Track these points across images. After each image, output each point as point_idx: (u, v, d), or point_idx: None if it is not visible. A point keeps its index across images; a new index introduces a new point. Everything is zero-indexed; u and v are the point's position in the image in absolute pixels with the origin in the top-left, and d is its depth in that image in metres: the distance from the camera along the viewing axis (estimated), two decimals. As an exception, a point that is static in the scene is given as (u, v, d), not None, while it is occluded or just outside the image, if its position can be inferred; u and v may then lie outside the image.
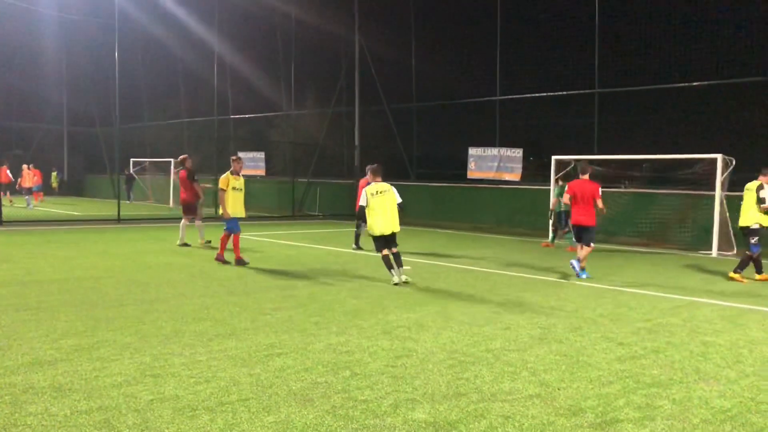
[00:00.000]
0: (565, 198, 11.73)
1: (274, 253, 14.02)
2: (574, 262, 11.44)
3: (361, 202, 10.62)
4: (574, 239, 16.24)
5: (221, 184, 12.20)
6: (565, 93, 20.99)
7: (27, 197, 28.34)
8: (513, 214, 21.35)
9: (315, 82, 29.15)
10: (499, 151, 22.00)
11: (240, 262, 11.99)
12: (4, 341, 6.23)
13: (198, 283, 9.94)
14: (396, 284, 10.16)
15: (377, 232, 10.43)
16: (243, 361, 5.77)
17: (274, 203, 27.95)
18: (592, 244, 11.43)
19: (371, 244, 11.37)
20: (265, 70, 30.07)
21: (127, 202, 32.47)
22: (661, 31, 19.17)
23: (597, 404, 4.87)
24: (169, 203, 32.56)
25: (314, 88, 29.24)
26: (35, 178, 29.34)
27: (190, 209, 15.19)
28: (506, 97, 22.43)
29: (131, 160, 35.50)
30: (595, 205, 11.19)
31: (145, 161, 35.26)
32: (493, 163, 22.04)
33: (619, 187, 18.38)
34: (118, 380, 5.14)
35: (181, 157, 15.42)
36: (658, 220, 17.39)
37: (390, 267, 10.36)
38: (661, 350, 6.50)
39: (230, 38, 30.06)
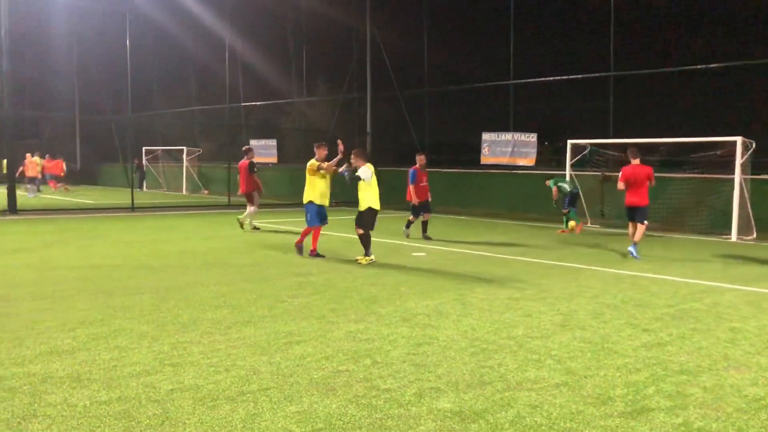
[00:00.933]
0: (620, 185, 12.25)
1: (289, 240, 13.92)
2: (632, 249, 11.90)
3: (367, 177, 10.85)
4: (574, 223, 16.25)
5: (311, 171, 11.43)
6: (580, 76, 20.69)
7: (29, 186, 28.20)
8: (527, 200, 21.13)
9: (326, 69, 28.93)
10: (513, 135, 21.75)
11: (298, 250, 11.65)
12: (22, 330, 6.18)
13: (214, 270, 9.87)
14: (373, 261, 10.78)
15: (377, 207, 11.03)
16: (262, 349, 5.68)
17: (286, 191, 27.86)
18: (645, 222, 12.02)
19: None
20: (276, 56, 29.86)
21: (139, 190, 32.55)
22: (678, 11, 18.84)
23: (626, 392, 4.75)
24: (182, 191, 32.62)
25: (325, 74, 29.03)
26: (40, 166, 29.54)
27: (249, 198, 15.78)
28: (520, 81, 22.15)
29: (144, 148, 35.51)
30: (649, 186, 11.98)
31: (158, 149, 35.27)
32: (507, 149, 21.80)
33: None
34: (137, 369, 5.07)
35: (246, 147, 16.57)
36: (676, 205, 17.14)
37: (370, 245, 10.98)
38: (687, 336, 6.36)
39: (240, 25, 29.87)
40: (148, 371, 5.03)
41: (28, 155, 28.79)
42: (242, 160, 16.05)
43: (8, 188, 19.44)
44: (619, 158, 18.34)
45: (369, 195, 10.92)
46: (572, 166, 18.36)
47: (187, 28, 30.81)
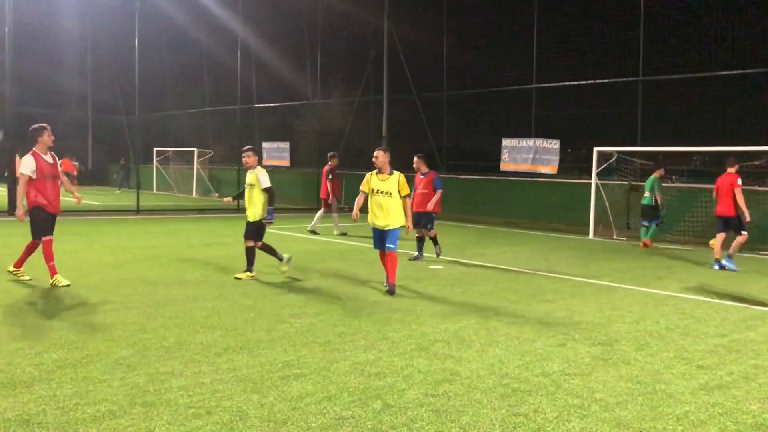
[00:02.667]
0: (715, 193, 12.17)
1: (296, 249, 13.09)
2: (726, 263, 11.78)
3: (267, 182, 9.50)
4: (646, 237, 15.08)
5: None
6: (606, 81, 19.71)
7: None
8: (549, 209, 20.18)
9: (342, 71, 28.12)
10: (534, 142, 20.82)
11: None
12: (-18, 353, 5.39)
13: (212, 283, 9.05)
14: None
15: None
16: (254, 384, 4.83)
17: (298, 195, 27.11)
18: (744, 233, 11.82)
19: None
20: (291, 57, 29.11)
21: (118, 192, 31.97)
22: (712, 13, 17.83)
23: (695, 456, 3.85)
24: (192, 194, 31.95)
25: (341, 76, 28.23)
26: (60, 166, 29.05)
27: (327, 202, 16.08)
28: (543, 85, 21.20)
29: (154, 149, 34.92)
30: (734, 196, 11.67)
31: (169, 150, 34.66)
32: (528, 155, 20.87)
33: (666, 182, 17.11)
34: (101, 410, 4.23)
35: (330, 153, 16.58)
36: (710, 218, 16.13)
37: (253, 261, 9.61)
38: (751, 377, 5.44)
39: (255, 25, 29.15)
40: (114, 413, 4.20)
41: (17, 156, 27.89)
42: (327, 165, 16.38)
43: (8, 189, 18.80)
44: (646, 167, 17.39)
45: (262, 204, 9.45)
46: (598, 174, 17.42)
47: (200, 27, 30.23)
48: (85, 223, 17.09)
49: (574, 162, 21.08)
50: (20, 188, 8.35)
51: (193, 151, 32.50)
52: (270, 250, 9.65)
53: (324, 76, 28.25)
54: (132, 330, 6.30)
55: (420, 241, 12.05)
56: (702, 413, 4.56)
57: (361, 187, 9.03)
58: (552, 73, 20.96)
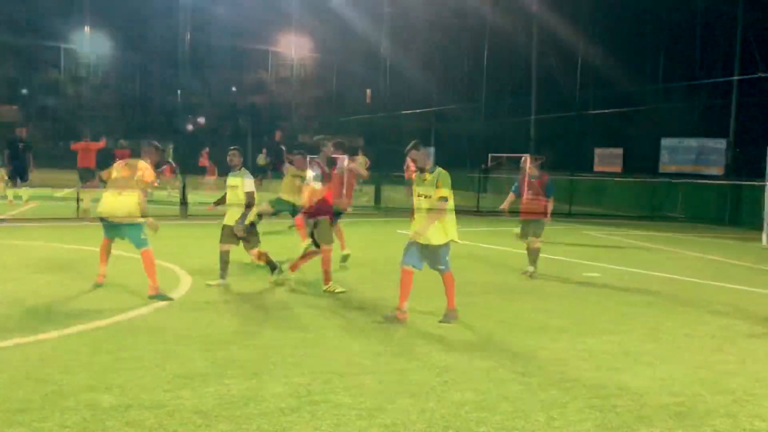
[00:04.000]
0: None
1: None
2: None
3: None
4: None
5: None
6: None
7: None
8: (715, 213, 18.67)
9: (686, 72, 26.96)
10: (699, 141, 19.37)
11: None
12: (172, 345, 5.76)
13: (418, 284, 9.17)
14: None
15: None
16: (414, 388, 4.83)
17: (629, 202, 25.76)
18: None
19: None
20: (629, 63, 27.82)
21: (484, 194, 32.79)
22: None
23: None
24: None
25: (685, 77, 27.01)
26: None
27: None
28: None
29: (489, 155, 36.09)
30: None
31: (503, 156, 35.66)
32: (691, 155, 19.49)
33: None
34: (270, 407, 4.38)
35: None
36: None
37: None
38: None
39: (590, 30, 28.80)
40: (282, 410, 4.34)
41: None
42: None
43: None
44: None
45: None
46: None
47: (537, 33, 30.91)
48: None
49: (744, 162, 19.36)
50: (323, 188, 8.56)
51: (523, 157, 32.80)
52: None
53: (665, 79, 27.51)
54: (296, 329, 6.51)
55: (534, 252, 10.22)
56: None
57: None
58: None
